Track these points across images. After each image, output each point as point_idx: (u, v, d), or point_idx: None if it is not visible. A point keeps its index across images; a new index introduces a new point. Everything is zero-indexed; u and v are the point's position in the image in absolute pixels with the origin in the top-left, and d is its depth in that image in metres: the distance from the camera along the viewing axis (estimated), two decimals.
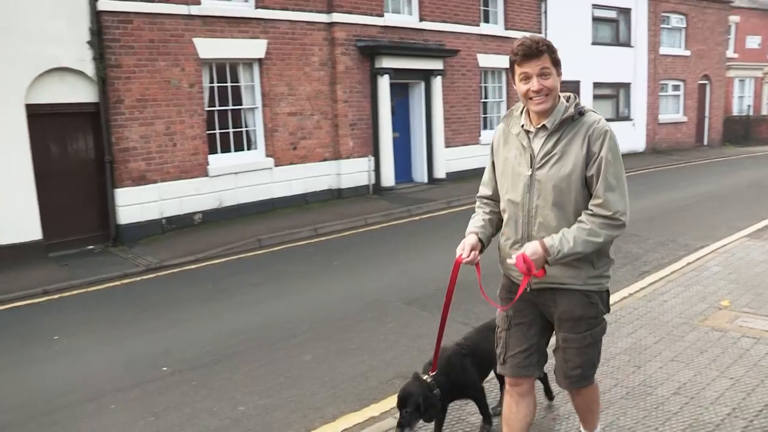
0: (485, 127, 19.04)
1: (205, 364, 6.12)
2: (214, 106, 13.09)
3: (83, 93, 11.39)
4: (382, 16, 15.72)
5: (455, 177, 17.44)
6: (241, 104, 13.53)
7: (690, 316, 6.27)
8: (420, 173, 17.45)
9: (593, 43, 23.10)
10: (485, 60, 18.49)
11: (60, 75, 11.12)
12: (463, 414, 4.51)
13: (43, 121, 10.94)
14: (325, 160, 14.90)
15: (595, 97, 23.18)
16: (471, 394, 4.09)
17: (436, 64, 16.86)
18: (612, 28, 24.43)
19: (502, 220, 3.37)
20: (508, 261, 3.12)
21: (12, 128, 10.52)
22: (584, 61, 21.96)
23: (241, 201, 13.33)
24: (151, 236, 11.81)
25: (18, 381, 6.05)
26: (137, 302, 8.43)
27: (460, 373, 3.90)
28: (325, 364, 5.93)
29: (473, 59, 18.15)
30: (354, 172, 15.36)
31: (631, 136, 24.96)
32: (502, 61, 18.88)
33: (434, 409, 3.71)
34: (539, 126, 3.11)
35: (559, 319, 3.23)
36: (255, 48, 13.42)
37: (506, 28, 19.02)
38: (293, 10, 13.99)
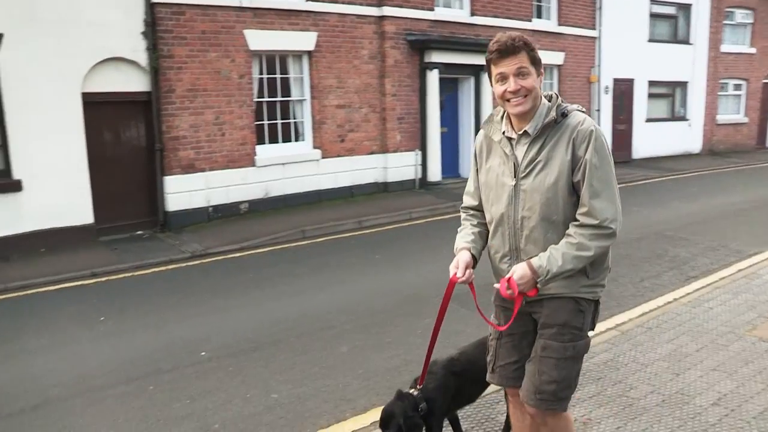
0: None
1: (243, 351, 6.21)
2: (263, 98, 13.23)
3: (136, 82, 11.64)
4: (432, 10, 15.64)
5: None
6: (289, 96, 13.63)
7: (736, 324, 6.07)
8: (467, 169, 17.31)
9: (650, 40, 22.50)
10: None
11: (115, 65, 11.38)
12: (492, 413, 4.46)
13: (98, 108, 11.22)
14: (372, 153, 14.92)
15: (650, 95, 22.61)
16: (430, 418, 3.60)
17: None
18: (670, 25, 23.77)
19: (488, 231, 3.23)
20: (495, 286, 2.98)
21: (70, 115, 10.83)
22: (640, 59, 21.48)
23: (288, 192, 13.45)
24: (198, 224, 12.01)
25: (63, 359, 6.24)
26: (181, 288, 8.59)
27: (439, 390, 3.59)
28: (361, 356, 5.95)
29: None
30: (401, 166, 15.35)
31: (687, 137, 24.28)
32: (554, 58, 18.66)
33: (417, 428, 3.47)
34: (521, 132, 2.92)
35: (543, 324, 3.01)
36: (305, 40, 13.50)
37: (559, 24, 18.74)
38: (344, 3, 14.04)
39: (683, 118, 24.54)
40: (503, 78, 2.83)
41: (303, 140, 13.90)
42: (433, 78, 15.55)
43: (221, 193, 12.54)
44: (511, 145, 2.95)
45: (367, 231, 11.73)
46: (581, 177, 2.80)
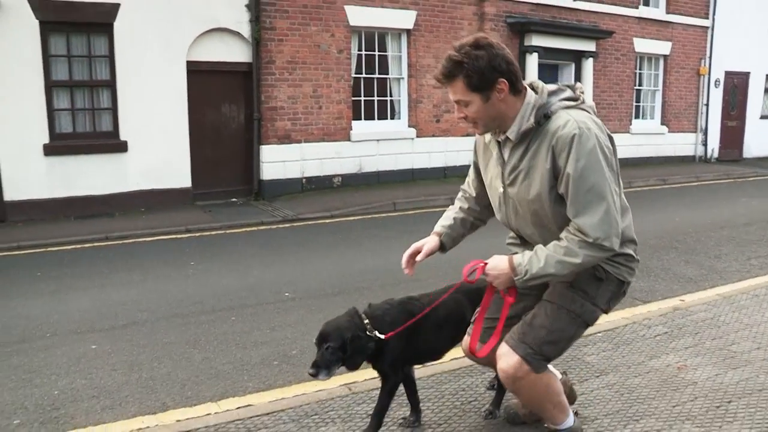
0: (637, 116, 18.01)
1: (325, 294, 6.17)
2: (361, 74, 13.24)
3: (238, 53, 11.90)
4: None
5: None
6: (387, 73, 13.59)
7: None
8: None
9: None
10: (642, 45, 17.47)
11: (219, 35, 11.67)
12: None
13: (200, 77, 11.52)
14: (467, 135, 14.63)
15: (767, 90, 21.20)
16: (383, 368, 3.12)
17: (588, 46, 16.12)
18: None
19: (478, 220, 3.08)
20: (469, 270, 2.69)
21: (174, 82, 11.18)
22: (757, 51, 20.06)
23: (381, 168, 13.41)
24: (291, 194, 12.14)
25: (152, 292, 6.42)
26: (270, 243, 8.68)
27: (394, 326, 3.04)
28: None
29: (629, 43, 17.20)
30: None
31: None
32: (661, 47, 17.84)
33: (362, 354, 2.96)
34: (503, 138, 2.64)
35: (550, 284, 2.75)
36: (404, 18, 13.43)
37: (668, 12, 17.87)
38: None
39: None
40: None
41: (399, 118, 13.83)
42: (532, 62, 15.13)
43: (315, 165, 12.63)
44: (499, 147, 2.70)
45: None
46: (564, 191, 2.48)
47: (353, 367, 2.99)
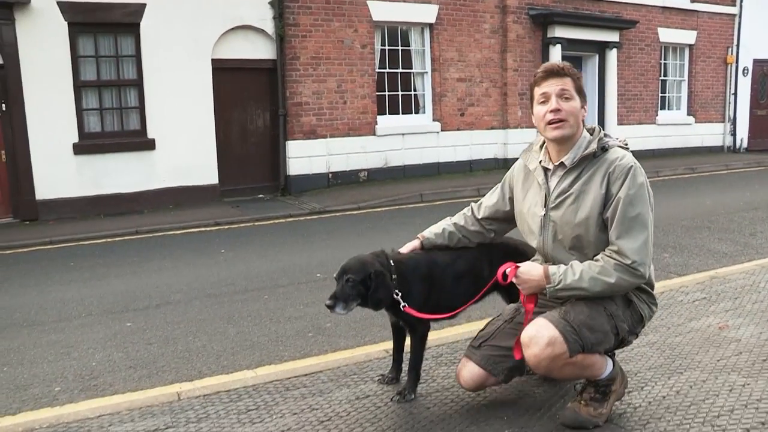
0: (663, 107, 17.79)
1: None
2: (385, 68, 13.25)
3: (262, 50, 11.97)
4: None
5: None
6: (411, 68, 13.59)
7: None
8: None
9: None
10: (666, 35, 17.27)
11: (243, 32, 11.75)
12: None
13: (226, 75, 11.61)
14: (492, 128, 14.62)
15: None
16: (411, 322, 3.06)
17: (612, 36, 15.98)
18: None
19: (466, 238, 3.15)
20: (506, 271, 2.78)
21: (200, 80, 11.28)
22: None
23: (407, 162, 13.39)
24: (317, 189, 12.16)
25: (184, 276, 6.47)
26: (299, 232, 8.70)
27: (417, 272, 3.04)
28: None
29: (653, 33, 17.02)
30: (521, 142, 14.89)
31: None
32: (686, 37, 17.64)
33: (385, 291, 2.88)
34: (558, 163, 2.78)
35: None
36: (426, 12, 13.43)
37: (693, 1, 17.66)
38: None
39: None
40: (545, 98, 2.72)
41: (423, 112, 13.81)
42: (555, 53, 15.03)
43: (341, 160, 12.65)
44: (546, 175, 2.83)
45: None
46: (611, 214, 2.62)
47: (376, 305, 2.92)
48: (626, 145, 2.79)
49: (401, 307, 2.94)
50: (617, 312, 2.69)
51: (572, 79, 2.71)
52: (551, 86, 2.69)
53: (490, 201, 3.14)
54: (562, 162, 2.75)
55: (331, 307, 2.82)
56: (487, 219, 3.13)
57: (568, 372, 2.68)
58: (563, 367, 2.61)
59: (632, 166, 2.63)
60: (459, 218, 3.20)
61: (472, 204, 3.23)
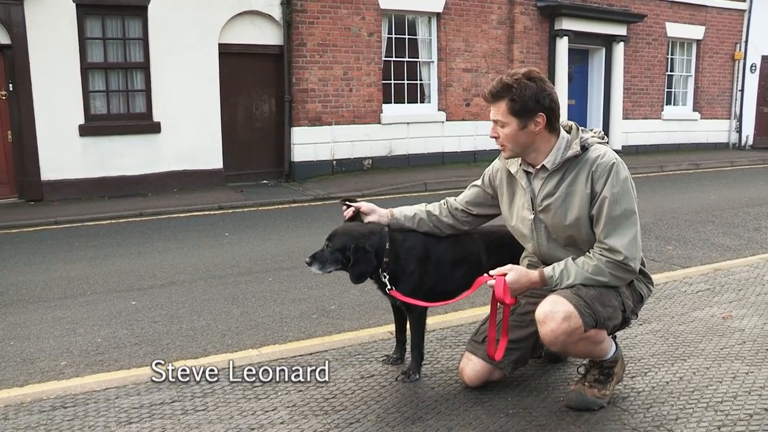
0: (669, 102, 17.73)
1: None
2: (391, 57, 13.23)
3: (269, 35, 11.95)
4: None
5: (631, 150, 16.27)
6: (417, 57, 13.57)
7: None
8: None
9: None
10: (674, 29, 17.20)
11: (250, 18, 11.73)
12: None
13: (232, 60, 11.59)
14: None
15: None
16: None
17: (619, 29, 15.91)
18: None
19: (437, 228, 3.11)
20: (488, 283, 2.72)
21: (206, 65, 11.26)
22: None
23: (411, 151, 13.39)
24: (321, 176, 12.16)
25: (189, 257, 6.49)
26: (302, 217, 8.71)
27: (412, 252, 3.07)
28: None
29: (660, 27, 16.96)
30: None
31: None
32: (694, 32, 17.55)
33: (364, 267, 2.95)
34: (539, 167, 2.78)
35: None
36: (434, 2, 13.38)
37: None
38: None
39: None
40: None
41: (429, 102, 13.78)
42: (562, 46, 14.99)
43: (346, 147, 12.65)
44: (528, 178, 2.84)
45: None
46: (597, 212, 2.66)
47: (356, 278, 2.99)
48: (603, 139, 2.82)
49: (387, 290, 2.99)
50: (622, 288, 2.74)
51: (508, 99, 2.65)
52: (492, 111, 2.75)
53: (471, 195, 3.12)
54: (543, 165, 2.76)
55: (308, 264, 2.98)
56: (468, 205, 3.09)
57: (582, 348, 2.71)
58: (578, 342, 2.64)
59: (614, 162, 2.66)
60: (434, 207, 3.16)
61: (448, 198, 3.19)
